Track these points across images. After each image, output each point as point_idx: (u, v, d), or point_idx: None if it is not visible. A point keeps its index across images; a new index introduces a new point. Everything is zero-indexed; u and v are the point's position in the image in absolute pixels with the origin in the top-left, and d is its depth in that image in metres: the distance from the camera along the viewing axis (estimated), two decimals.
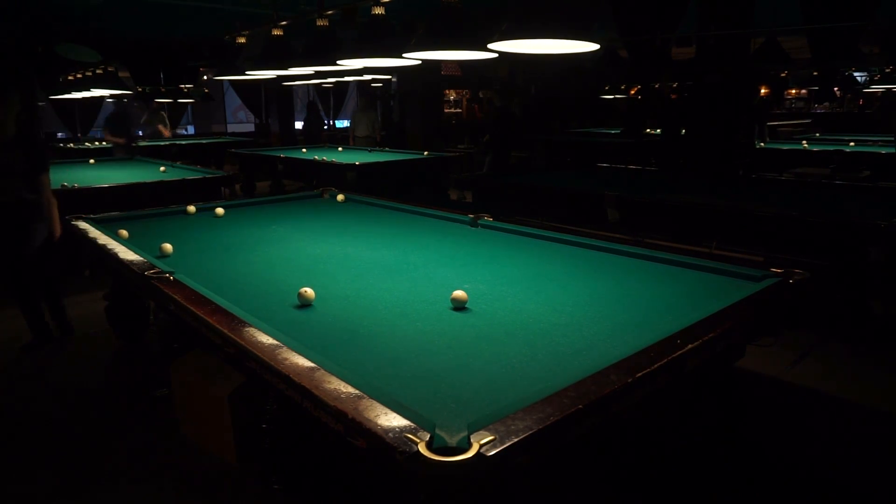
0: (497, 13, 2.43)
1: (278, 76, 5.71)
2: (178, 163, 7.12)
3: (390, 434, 1.25)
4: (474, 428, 1.27)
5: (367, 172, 6.59)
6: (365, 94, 11.08)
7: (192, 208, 4.01)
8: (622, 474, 2.00)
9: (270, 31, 4.37)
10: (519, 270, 2.67)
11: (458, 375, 1.64)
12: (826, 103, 15.09)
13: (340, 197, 4.48)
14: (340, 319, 2.07)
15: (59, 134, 13.19)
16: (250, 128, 15.70)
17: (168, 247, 2.98)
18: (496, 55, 2.66)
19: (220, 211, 3.95)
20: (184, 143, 10.41)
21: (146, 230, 3.23)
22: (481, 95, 14.84)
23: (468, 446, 1.20)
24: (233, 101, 16.85)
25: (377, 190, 4.98)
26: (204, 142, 11.31)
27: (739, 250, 3.50)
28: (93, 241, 3.09)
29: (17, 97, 3.69)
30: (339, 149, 9.37)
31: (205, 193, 5.54)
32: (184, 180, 5.76)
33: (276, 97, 13.02)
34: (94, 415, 3.15)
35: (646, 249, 2.84)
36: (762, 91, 13.39)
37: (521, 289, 2.40)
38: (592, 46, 2.19)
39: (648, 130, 11.42)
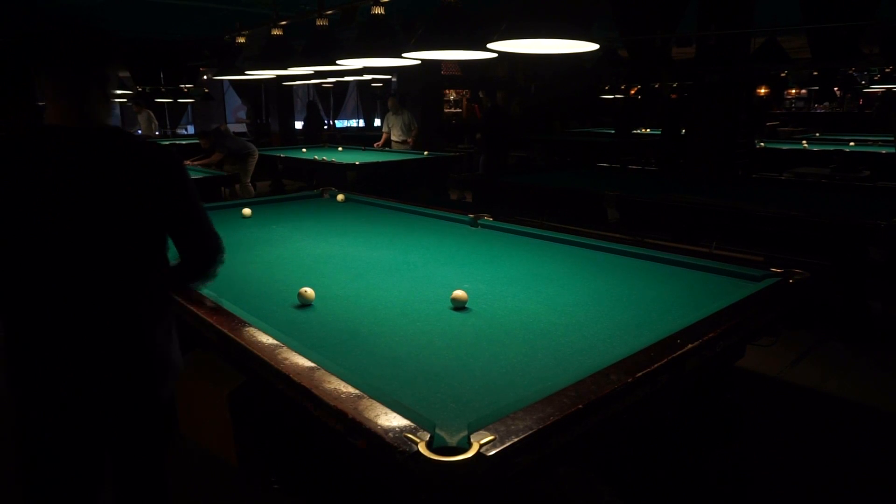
0: (497, 13, 2.43)
1: (278, 76, 5.72)
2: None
3: (390, 434, 1.25)
4: (474, 428, 1.27)
5: (367, 172, 6.59)
6: (396, 93, 10.25)
7: None
8: (622, 474, 2.00)
9: (270, 31, 4.37)
10: (519, 270, 2.67)
11: (458, 375, 1.64)
12: (826, 103, 15.09)
13: (340, 197, 4.48)
14: (340, 319, 2.07)
15: None
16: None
17: None
18: (496, 55, 2.66)
19: (246, 212, 3.92)
20: (184, 143, 10.41)
21: None
22: (481, 95, 14.86)
23: (468, 446, 1.20)
24: (233, 101, 16.85)
25: (377, 190, 4.98)
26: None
27: (739, 250, 3.50)
28: None
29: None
30: (339, 149, 9.37)
31: (205, 193, 5.54)
32: None
33: (275, 97, 13.02)
34: None
35: (646, 249, 2.84)
36: (761, 91, 13.40)
37: (521, 289, 2.40)
38: (592, 46, 2.19)
39: (641, 130, 11.48)
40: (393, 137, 9.18)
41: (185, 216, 1.61)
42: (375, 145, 9.21)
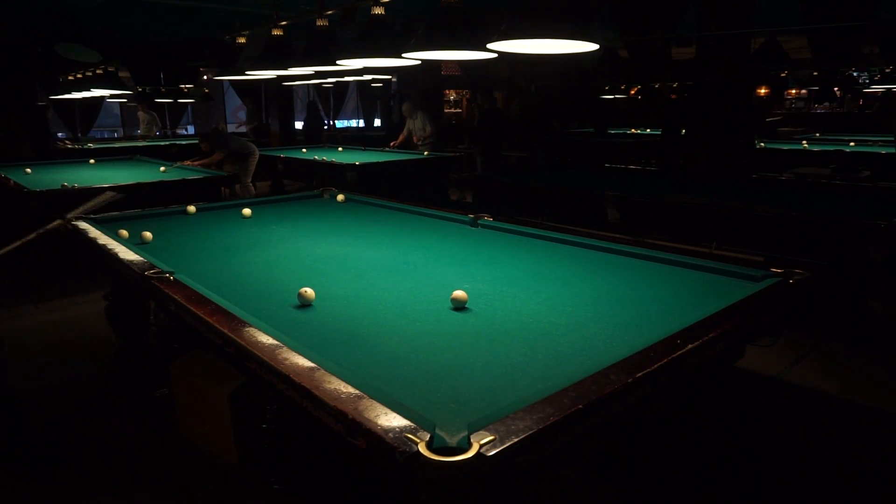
0: (497, 13, 2.43)
1: (278, 76, 5.72)
2: (178, 163, 7.05)
3: (390, 434, 1.25)
4: (474, 428, 1.27)
5: (367, 172, 6.59)
6: (410, 92, 10.14)
7: (192, 208, 4.01)
8: (622, 474, 2.00)
9: (270, 31, 4.37)
10: (519, 270, 2.67)
11: (458, 375, 1.64)
12: (826, 103, 15.09)
13: (340, 197, 4.48)
14: (340, 319, 2.07)
15: (60, 134, 13.22)
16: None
17: (148, 235, 3.20)
18: (496, 55, 2.66)
19: (246, 212, 3.92)
20: (184, 143, 10.41)
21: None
22: (478, 102, 14.86)
23: (468, 446, 1.20)
24: (233, 101, 16.85)
25: (377, 190, 4.98)
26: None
27: (739, 250, 3.50)
28: (93, 241, 3.09)
29: None
30: (339, 149, 9.37)
31: (205, 193, 5.54)
32: (184, 180, 5.76)
33: (275, 97, 13.02)
34: (94, 415, 3.15)
35: (646, 249, 2.84)
36: (761, 91, 13.41)
37: (521, 289, 2.40)
38: (592, 46, 2.19)
39: (632, 130, 11.59)
40: (415, 140, 9.28)
41: None
42: (387, 148, 9.28)
